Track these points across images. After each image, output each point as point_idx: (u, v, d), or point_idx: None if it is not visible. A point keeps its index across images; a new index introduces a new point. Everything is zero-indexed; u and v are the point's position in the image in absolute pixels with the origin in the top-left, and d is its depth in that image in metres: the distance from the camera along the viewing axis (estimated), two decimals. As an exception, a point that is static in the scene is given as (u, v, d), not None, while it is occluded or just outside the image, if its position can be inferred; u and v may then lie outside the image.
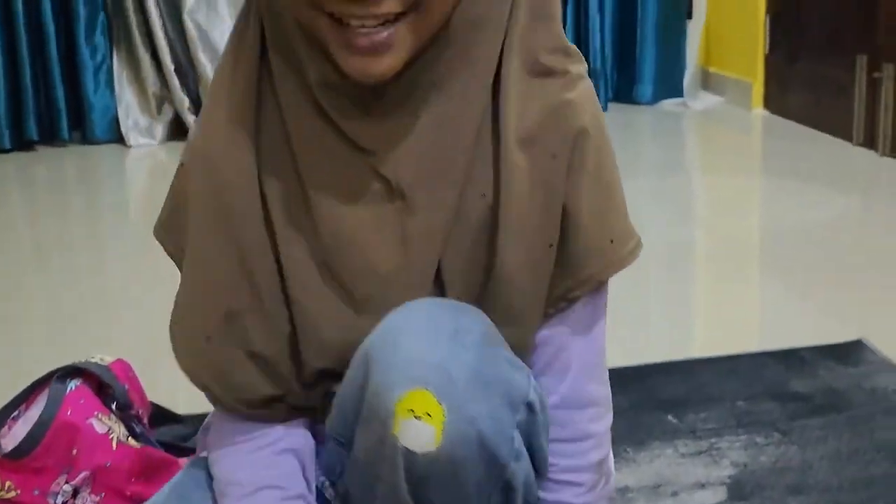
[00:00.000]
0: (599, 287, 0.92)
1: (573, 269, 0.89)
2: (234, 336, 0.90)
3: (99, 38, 3.63)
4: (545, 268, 0.88)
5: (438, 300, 0.87)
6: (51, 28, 3.54)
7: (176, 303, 0.94)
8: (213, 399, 0.93)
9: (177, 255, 0.94)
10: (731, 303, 2.14)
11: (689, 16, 4.07)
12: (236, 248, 0.88)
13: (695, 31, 4.08)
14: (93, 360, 1.22)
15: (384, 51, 0.79)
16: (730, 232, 2.59)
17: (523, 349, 0.90)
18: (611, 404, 0.96)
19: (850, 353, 1.78)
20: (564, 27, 3.61)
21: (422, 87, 0.84)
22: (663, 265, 2.31)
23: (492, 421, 0.81)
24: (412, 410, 0.79)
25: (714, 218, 2.77)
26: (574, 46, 0.91)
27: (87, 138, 3.68)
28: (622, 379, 1.69)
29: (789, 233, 2.52)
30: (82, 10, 3.57)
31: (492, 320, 0.87)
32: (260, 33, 0.87)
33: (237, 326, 0.89)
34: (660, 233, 2.52)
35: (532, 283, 0.88)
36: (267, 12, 0.86)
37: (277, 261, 0.89)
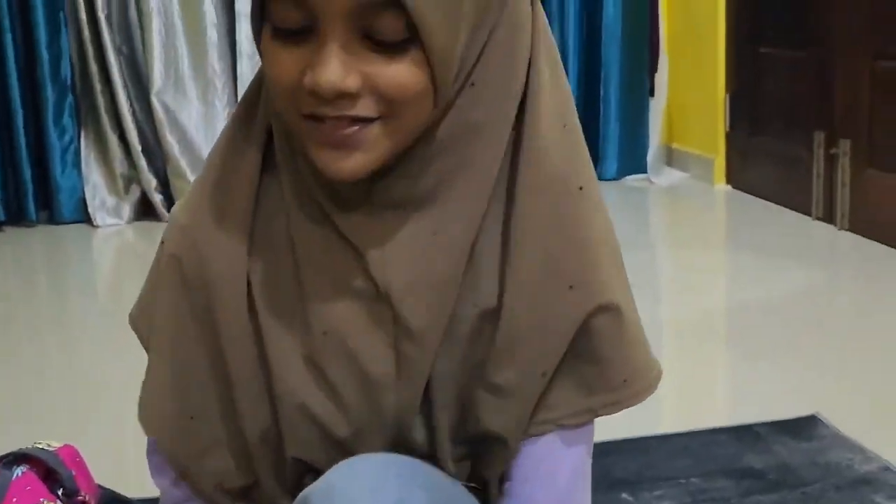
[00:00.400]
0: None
1: (575, 401, 0.88)
2: (211, 424, 0.89)
3: (67, 120, 3.65)
4: (535, 392, 0.86)
5: (392, 459, 0.84)
6: (19, 110, 3.56)
7: (148, 387, 0.92)
8: (193, 484, 0.92)
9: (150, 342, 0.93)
10: (687, 378, 2.15)
11: (652, 94, 4.14)
12: (216, 338, 0.87)
13: (657, 109, 4.15)
14: (39, 446, 1.22)
15: (354, 148, 0.77)
16: (689, 307, 2.61)
17: (504, 461, 0.89)
18: None
19: (804, 428, 1.79)
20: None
21: (416, 191, 0.82)
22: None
23: None
24: None
25: (674, 293, 2.79)
26: (582, 137, 0.88)
27: (54, 219, 3.69)
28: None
29: (748, 307, 2.55)
30: (50, 93, 3.60)
31: (477, 431, 0.87)
32: (268, 127, 0.86)
33: (213, 414, 0.89)
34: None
35: (520, 404, 0.86)
36: (275, 114, 0.85)
37: (261, 354, 0.87)
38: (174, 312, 0.89)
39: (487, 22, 0.79)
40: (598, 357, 0.87)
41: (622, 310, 0.87)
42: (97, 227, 3.64)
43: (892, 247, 2.92)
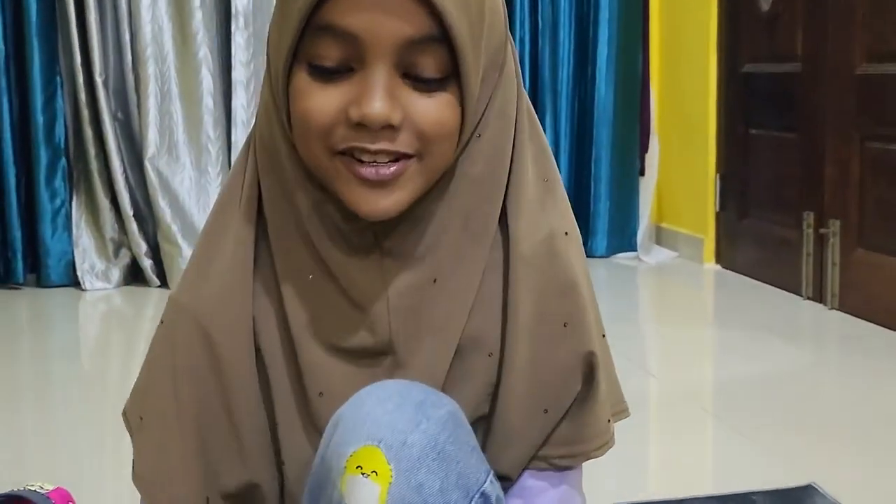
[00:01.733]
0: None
1: (571, 441, 0.90)
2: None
3: (59, 183, 3.66)
4: (539, 431, 0.88)
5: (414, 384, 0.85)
6: (11, 171, 3.56)
7: (149, 464, 0.90)
8: None
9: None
10: (681, 449, 2.13)
11: (642, 173, 4.17)
12: (230, 417, 0.87)
13: (647, 188, 4.18)
14: (31, 488, 1.20)
15: (392, 185, 0.79)
16: (682, 381, 2.60)
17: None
18: None
19: (800, 498, 1.77)
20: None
21: (421, 239, 0.84)
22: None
23: (441, 496, 0.79)
24: (360, 467, 0.78)
25: (667, 367, 2.78)
26: (563, 191, 0.92)
27: (41, 282, 3.67)
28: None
29: (741, 382, 2.54)
30: (43, 156, 3.61)
31: None
32: (258, 192, 0.87)
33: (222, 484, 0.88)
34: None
35: (521, 444, 0.88)
36: (264, 166, 0.86)
37: (271, 423, 0.88)
38: (180, 390, 0.88)
39: (491, 79, 0.84)
40: (592, 400, 0.90)
41: (601, 354, 0.91)
42: (85, 290, 3.62)
43: (882, 326, 2.93)
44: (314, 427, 0.86)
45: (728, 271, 3.81)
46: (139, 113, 3.68)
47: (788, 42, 3.41)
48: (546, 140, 0.92)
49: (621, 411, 0.96)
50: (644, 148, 4.16)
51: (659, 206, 4.24)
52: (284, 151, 0.84)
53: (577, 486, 0.94)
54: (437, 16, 0.76)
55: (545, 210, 0.88)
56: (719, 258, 3.89)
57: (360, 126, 0.77)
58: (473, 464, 0.82)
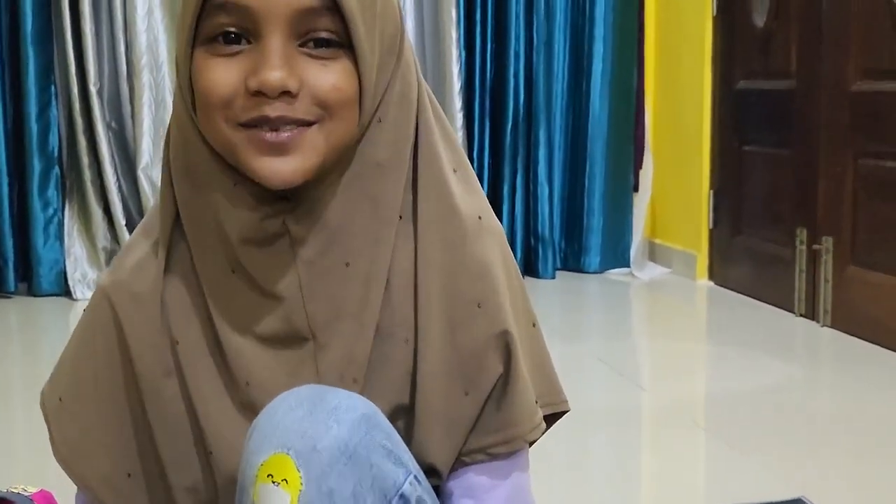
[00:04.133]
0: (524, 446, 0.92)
1: (501, 427, 0.89)
2: (147, 482, 0.92)
3: (52, 192, 3.65)
4: (462, 415, 0.88)
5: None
6: (4, 180, 3.56)
7: (79, 442, 0.93)
8: None
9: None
10: (673, 463, 2.12)
11: (636, 189, 4.17)
12: (139, 397, 0.90)
13: (641, 204, 4.19)
14: (15, 490, 1.19)
15: (292, 150, 0.82)
16: (673, 395, 2.59)
17: (437, 494, 0.89)
18: None
19: (790, 511, 1.77)
20: (514, 197, 3.66)
21: (329, 224, 0.86)
22: (608, 426, 2.30)
23: (354, 501, 0.79)
24: (271, 475, 0.78)
25: (658, 382, 2.78)
26: (477, 181, 0.95)
27: (32, 290, 3.66)
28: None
29: (732, 397, 2.53)
30: (37, 165, 3.60)
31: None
32: (173, 191, 0.90)
33: (149, 472, 0.91)
34: (605, 396, 2.53)
35: (446, 430, 0.88)
36: (177, 162, 0.89)
37: (189, 412, 0.89)
38: (98, 372, 0.92)
39: (388, 65, 0.87)
40: (513, 382, 0.90)
41: (520, 335, 0.91)
42: (76, 300, 3.61)
43: (874, 343, 2.93)
44: (249, 413, 0.87)
45: (721, 288, 3.81)
46: (133, 122, 3.68)
47: (783, 59, 3.42)
48: (454, 133, 0.95)
49: (558, 402, 0.95)
50: (638, 164, 4.17)
51: (652, 222, 4.24)
52: (194, 140, 0.87)
53: (523, 473, 0.93)
54: None
55: (456, 196, 0.90)
56: (713, 275, 3.89)
57: (259, 94, 0.80)
58: (390, 466, 0.82)
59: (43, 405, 0.97)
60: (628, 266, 4.12)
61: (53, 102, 3.62)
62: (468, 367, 0.88)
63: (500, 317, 0.89)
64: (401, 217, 0.89)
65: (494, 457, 0.90)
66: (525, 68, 3.94)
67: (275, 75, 0.79)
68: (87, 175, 3.65)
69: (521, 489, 0.93)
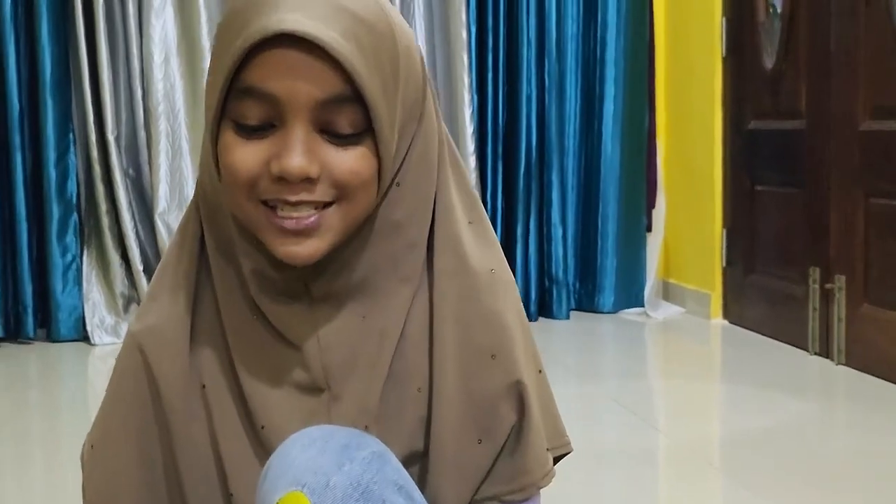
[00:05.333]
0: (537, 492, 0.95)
1: (515, 475, 0.92)
2: None
3: (70, 238, 3.69)
4: (475, 463, 0.91)
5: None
6: (24, 226, 3.60)
7: (99, 488, 0.96)
8: None
9: None
10: (679, 501, 2.13)
11: (649, 229, 4.19)
12: (171, 443, 0.92)
13: (654, 244, 4.20)
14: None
15: (311, 234, 0.85)
16: (689, 436, 2.60)
17: None
18: None
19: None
20: (527, 238, 3.65)
21: (348, 283, 0.90)
22: (623, 467, 2.31)
23: None
24: None
25: (673, 422, 2.78)
26: (492, 231, 0.97)
27: (51, 336, 3.69)
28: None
29: (747, 437, 2.54)
30: (55, 211, 3.65)
31: None
32: (200, 233, 0.93)
33: None
34: (620, 437, 2.54)
35: (460, 476, 0.91)
36: (206, 212, 0.92)
37: (216, 455, 0.92)
38: (128, 417, 0.94)
39: (410, 130, 0.90)
40: (527, 430, 0.93)
41: (532, 385, 0.94)
42: (94, 345, 3.64)
43: (889, 381, 2.93)
44: (263, 456, 0.90)
45: (735, 326, 3.82)
46: (150, 169, 3.73)
47: (792, 99, 3.44)
48: (471, 184, 0.98)
49: (562, 445, 0.99)
50: (651, 204, 4.19)
51: (666, 262, 4.26)
52: (221, 203, 0.90)
53: None
54: (349, 77, 0.83)
55: (471, 250, 0.93)
56: (727, 313, 3.90)
57: (281, 179, 0.83)
58: (401, 501, 0.84)
59: (81, 455, 0.99)
60: (642, 306, 4.13)
61: (72, 149, 3.67)
62: (482, 416, 0.91)
63: (514, 367, 0.92)
64: (420, 275, 0.92)
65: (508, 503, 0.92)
66: (537, 111, 3.98)
67: (297, 162, 0.82)
68: (105, 221, 3.69)
69: None
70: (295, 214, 0.84)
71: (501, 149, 4.00)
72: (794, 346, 3.40)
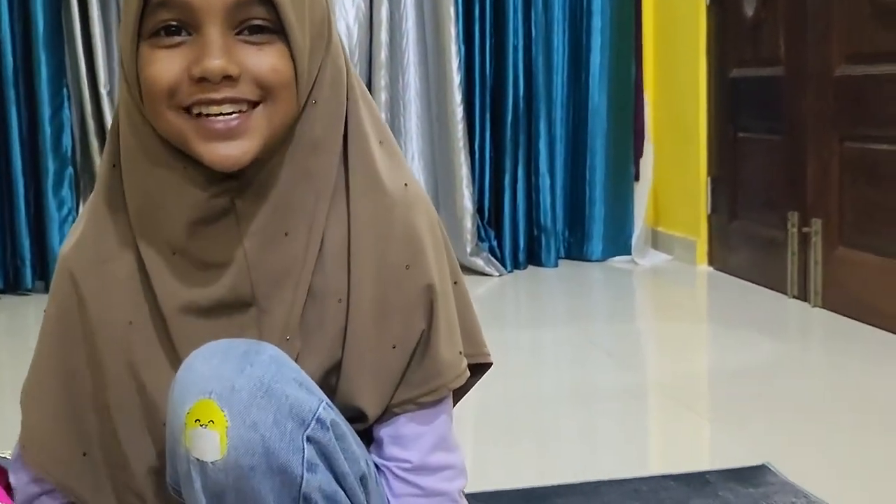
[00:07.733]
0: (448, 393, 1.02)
1: (427, 378, 0.99)
2: (101, 461, 1.00)
3: (66, 192, 3.77)
4: (389, 366, 0.98)
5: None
6: (20, 181, 3.68)
7: (35, 425, 1.02)
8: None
9: None
10: (651, 433, 2.20)
11: (637, 178, 4.25)
12: (102, 378, 0.98)
13: (642, 193, 4.26)
14: (3, 455, 1.28)
15: (239, 135, 0.90)
16: (665, 372, 2.68)
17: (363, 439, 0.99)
18: (464, 468, 1.04)
19: (753, 475, 1.85)
20: (515, 188, 3.70)
21: (272, 199, 0.94)
22: (607, 404, 2.39)
23: (276, 428, 0.87)
24: (198, 420, 0.86)
25: (656, 362, 2.86)
26: (401, 154, 1.04)
27: (49, 288, 3.76)
28: (528, 499, 1.75)
29: (720, 374, 2.62)
30: (51, 165, 3.72)
31: (342, 408, 0.96)
32: (119, 176, 0.98)
33: (103, 451, 0.99)
34: (604, 377, 2.62)
35: (374, 379, 0.98)
36: (126, 154, 0.97)
37: (138, 386, 0.98)
38: (60, 348, 1.01)
39: (319, 49, 0.95)
40: (436, 334, 0.99)
41: (443, 292, 1.00)
42: (91, 295, 3.72)
43: (862, 322, 2.99)
44: None
45: (720, 272, 3.88)
46: (143, 123, 3.78)
47: (771, 47, 3.49)
48: (379, 111, 1.04)
49: (480, 354, 1.06)
50: (638, 153, 4.24)
51: (654, 210, 4.32)
52: (143, 129, 0.94)
53: (447, 417, 1.03)
54: None
55: (383, 168, 0.99)
56: (712, 260, 3.96)
57: (203, 80, 0.88)
58: (304, 395, 0.91)
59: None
60: (630, 254, 4.19)
61: (66, 104, 3.73)
62: (396, 323, 0.98)
63: (427, 273, 0.99)
64: (335, 191, 0.98)
65: (422, 406, 1.00)
66: (524, 61, 4.02)
67: (216, 62, 0.87)
68: (100, 174, 3.76)
69: (445, 433, 1.02)
70: (222, 117, 0.89)
71: (489, 100, 4.05)
72: (774, 290, 3.47)
